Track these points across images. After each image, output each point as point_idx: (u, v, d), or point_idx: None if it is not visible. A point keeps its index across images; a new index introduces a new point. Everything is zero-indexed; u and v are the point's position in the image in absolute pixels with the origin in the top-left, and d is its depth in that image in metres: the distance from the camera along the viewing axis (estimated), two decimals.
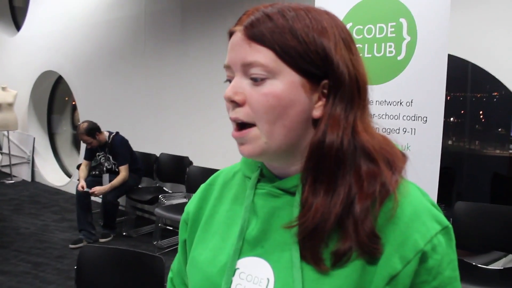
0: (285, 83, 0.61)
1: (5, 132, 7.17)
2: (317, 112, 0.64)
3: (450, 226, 0.65)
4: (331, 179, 0.63)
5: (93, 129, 4.36)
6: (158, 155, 4.91)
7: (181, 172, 4.49)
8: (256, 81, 0.62)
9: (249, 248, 0.69)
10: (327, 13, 0.66)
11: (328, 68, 0.62)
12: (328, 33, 0.63)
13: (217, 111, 4.21)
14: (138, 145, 4.83)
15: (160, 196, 4.40)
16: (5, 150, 7.50)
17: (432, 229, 0.62)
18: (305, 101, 0.63)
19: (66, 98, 7.41)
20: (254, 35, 0.62)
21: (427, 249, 0.61)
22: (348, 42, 0.65)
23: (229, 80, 0.67)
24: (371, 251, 0.60)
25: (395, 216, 0.62)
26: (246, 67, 0.63)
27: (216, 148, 4.26)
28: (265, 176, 0.72)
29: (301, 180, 0.66)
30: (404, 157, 0.68)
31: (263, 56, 0.61)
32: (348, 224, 0.61)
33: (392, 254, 0.61)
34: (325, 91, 0.63)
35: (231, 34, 0.66)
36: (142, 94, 5.21)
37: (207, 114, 4.42)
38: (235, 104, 0.64)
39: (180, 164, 4.59)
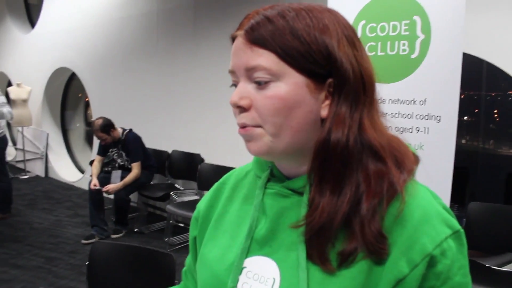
0: (289, 84, 0.61)
1: (20, 128, 7.26)
2: (324, 112, 0.63)
3: (462, 230, 0.63)
4: (338, 178, 0.62)
5: (108, 126, 4.38)
6: (170, 152, 4.92)
7: (193, 169, 4.49)
8: (260, 84, 0.62)
9: (257, 247, 0.69)
10: (329, 11, 0.65)
11: (332, 66, 0.61)
12: (330, 30, 0.62)
13: (229, 109, 4.17)
14: (150, 142, 4.85)
15: (171, 193, 4.41)
16: (19, 145, 7.59)
17: (442, 233, 0.60)
18: (311, 101, 0.62)
19: (79, 95, 7.47)
20: (255, 39, 0.62)
21: (436, 253, 0.59)
22: (351, 38, 0.64)
23: (235, 85, 0.67)
24: (377, 251, 0.59)
25: (403, 218, 0.60)
26: (249, 72, 0.63)
27: (228, 146, 4.27)
28: (275, 176, 0.72)
29: (308, 180, 0.65)
30: (415, 159, 0.67)
31: (265, 59, 0.61)
32: (355, 224, 0.60)
33: (399, 257, 0.59)
34: (331, 89, 0.63)
35: (233, 38, 0.66)
36: (155, 91, 5.23)
37: (219, 111, 4.42)
38: (241, 109, 0.64)
39: (192, 161, 4.60)
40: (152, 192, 4.58)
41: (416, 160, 0.67)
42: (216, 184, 0.86)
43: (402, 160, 0.63)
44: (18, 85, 6.93)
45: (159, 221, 5.02)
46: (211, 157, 4.49)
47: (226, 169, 0.87)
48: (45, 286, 3.41)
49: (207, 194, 0.86)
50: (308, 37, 0.61)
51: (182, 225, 4.61)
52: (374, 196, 0.60)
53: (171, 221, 4.28)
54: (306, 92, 0.61)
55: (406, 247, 0.59)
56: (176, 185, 4.89)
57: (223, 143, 4.40)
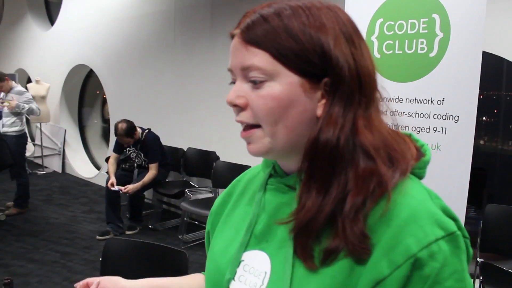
0: (284, 84, 0.61)
1: (38, 124, 7.36)
2: (319, 111, 0.63)
3: (458, 233, 0.59)
4: (325, 177, 0.62)
5: (131, 129, 4.34)
6: (185, 149, 4.94)
7: (208, 167, 4.51)
8: (256, 84, 0.63)
9: (255, 241, 0.71)
10: (328, 7, 0.64)
11: (327, 65, 0.61)
12: (326, 28, 0.61)
13: None
14: (166, 139, 4.87)
15: (186, 190, 4.43)
16: (37, 141, 7.70)
17: (431, 235, 0.57)
18: (306, 100, 0.62)
19: (97, 92, 7.54)
20: (250, 38, 0.62)
21: (422, 255, 0.56)
22: (350, 36, 0.63)
23: (234, 83, 0.67)
24: (359, 251, 0.58)
25: (389, 218, 0.59)
26: (245, 71, 0.63)
27: (243, 144, 4.25)
28: (276, 172, 0.74)
29: (298, 178, 0.66)
30: (417, 154, 0.66)
31: (259, 59, 0.61)
32: (339, 222, 0.60)
33: (380, 257, 0.58)
34: (327, 88, 0.62)
35: (232, 37, 0.66)
36: (171, 89, 5.25)
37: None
38: (238, 107, 0.65)
39: (207, 159, 4.61)
40: (167, 190, 4.60)
41: (417, 156, 0.65)
42: (233, 181, 0.88)
43: (397, 160, 0.62)
44: (37, 81, 7.03)
45: (174, 218, 5.05)
46: (226, 155, 4.49)
47: (241, 167, 0.89)
48: (60, 280, 3.46)
49: (224, 191, 0.89)
50: (303, 36, 0.60)
51: (196, 222, 4.62)
52: (358, 194, 0.59)
53: (185, 219, 4.30)
54: (301, 92, 0.61)
55: (389, 247, 0.57)
56: (191, 183, 4.91)
57: (238, 141, 4.35)
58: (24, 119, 5.13)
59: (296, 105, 0.62)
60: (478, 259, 2.70)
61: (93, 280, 0.88)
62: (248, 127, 0.66)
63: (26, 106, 4.98)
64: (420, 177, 0.67)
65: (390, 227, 0.58)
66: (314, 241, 0.62)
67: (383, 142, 0.63)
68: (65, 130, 7.22)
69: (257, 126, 0.64)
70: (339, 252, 0.60)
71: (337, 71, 0.61)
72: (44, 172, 7.29)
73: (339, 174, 0.61)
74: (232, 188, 0.87)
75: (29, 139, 6.62)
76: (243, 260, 0.71)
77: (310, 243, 0.62)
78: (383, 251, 0.58)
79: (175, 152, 5.00)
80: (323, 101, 0.63)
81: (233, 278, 0.71)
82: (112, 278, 0.90)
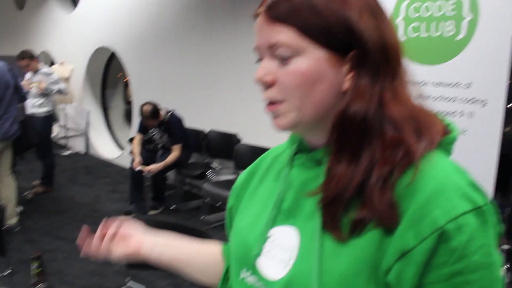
0: (310, 59, 0.62)
1: (62, 106, 7.47)
2: (346, 85, 0.63)
3: (487, 208, 0.58)
4: (355, 149, 0.63)
5: (156, 111, 4.40)
6: (207, 131, 4.97)
7: (230, 149, 4.52)
8: (283, 60, 0.63)
9: (283, 217, 0.72)
10: None
11: (353, 38, 0.61)
12: (350, 2, 0.62)
13: None
14: (188, 121, 4.89)
15: (208, 171, 4.46)
16: (61, 123, 7.83)
17: (458, 208, 0.56)
18: (333, 75, 0.63)
19: (119, 74, 7.60)
20: (275, 15, 0.63)
21: (449, 228, 0.55)
22: (374, 8, 0.64)
23: (261, 61, 0.68)
24: (387, 220, 0.58)
25: (416, 189, 0.58)
26: (271, 48, 0.64)
27: (266, 125, 4.24)
28: (303, 148, 0.74)
29: (327, 151, 0.67)
30: (444, 130, 0.66)
31: (285, 35, 0.62)
32: (367, 193, 0.60)
33: (407, 228, 0.57)
34: (354, 62, 0.63)
35: (256, 16, 0.67)
36: (193, 70, 5.26)
37: (258, 90, 4.40)
38: (266, 85, 0.66)
39: (229, 141, 4.63)
40: (190, 171, 4.65)
41: (443, 131, 0.65)
42: (257, 159, 0.89)
43: (424, 131, 0.63)
44: (61, 63, 7.12)
45: (196, 199, 5.11)
46: (248, 137, 4.50)
47: (263, 150, 0.90)
48: (86, 257, 3.55)
49: (246, 169, 0.90)
50: (327, 10, 0.61)
51: (218, 204, 4.67)
52: (385, 164, 0.60)
53: (207, 200, 4.34)
54: (328, 66, 0.62)
55: (416, 218, 0.57)
56: (213, 164, 4.94)
57: (260, 123, 4.39)
58: (52, 101, 5.21)
59: (323, 79, 0.62)
60: (504, 246, 2.66)
61: (115, 223, 0.92)
62: (274, 101, 0.66)
63: (55, 88, 5.06)
64: (448, 153, 0.66)
65: (416, 198, 0.58)
66: (343, 213, 0.62)
67: (410, 113, 0.64)
68: (89, 112, 7.32)
69: (283, 101, 0.65)
70: (368, 223, 0.60)
71: (362, 44, 0.61)
72: (68, 153, 7.43)
73: (367, 145, 0.62)
74: (257, 166, 0.87)
75: None
76: (270, 236, 0.72)
77: (339, 215, 0.62)
78: (409, 222, 0.57)
79: (198, 133, 5.03)
80: (350, 75, 0.63)
81: (261, 254, 0.72)
82: (134, 226, 0.94)
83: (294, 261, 0.67)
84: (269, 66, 0.65)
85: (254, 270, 0.73)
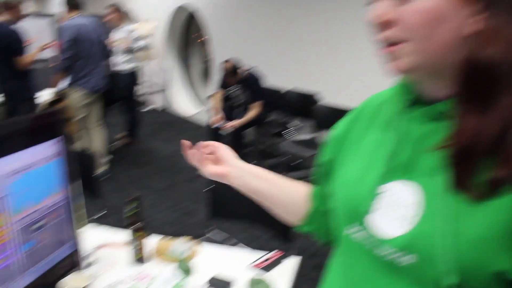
0: None
1: (144, 62, 7.71)
2: (473, 28, 0.56)
3: None
4: (486, 99, 0.56)
5: (236, 68, 4.41)
6: (287, 89, 4.92)
7: (308, 108, 4.46)
8: None
9: (399, 172, 0.66)
10: None
11: None
12: None
13: (350, 45, 4.06)
14: (268, 79, 4.87)
15: (286, 130, 4.44)
16: (143, 79, 8.09)
17: None
18: (458, 15, 0.56)
19: (195, 34, 7.67)
20: None
21: None
22: None
23: (372, 3, 0.63)
24: None
25: None
26: None
27: (347, 85, 4.15)
28: (418, 100, 0.67)
29: (454, 102, 0.60)
30: None
31: None
32: (504, 150, 0.54)
33: None
34: (483, 2, 0.56)
35: None
36: (273, 28, 5.19)
37: (340, 48, 4.27)
38: (383, 24, 0.61)
39: (308, 100, 4.55)
40: (268, 129, 4.65)
41: None
42: (354, 109, 0.84)
43: None
44: (144, 21, 7.29)
45: (273, 157, 5.14)
46: (329, 96, 4.41)
47: (341, 110, 0.84)
48: (170, 205, 3.72)
49: (345, 119, 0.84)
50: None
51: (295, 162, 4.65)
52: None
53: (285, 158, 4.35)
54: (454, 6, 0.56)
55: None
56: (291, 123, 4.90)
57: (342, 82, 4.29)
58: (136, 58, 5.39)
59: (448, 20, 0.56)
60: None
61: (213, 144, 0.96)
62: (392, 43, 0.61)
63: (138, 45, 5.22)
64: None
65: None
66: (474, 170, 0.56)
67: None
68: (169, 69, 7.49)
69: (407, 40, 0.60)
70: (503, 185, 0.54)
71: None
72: (148, 109, 7.70)
73: (502, 94, 0.55)
74: (355, 116, 0.81)
75: None
76: (384, 191, 0.67)
77: (470, 172, 0.56)
78: None
79: (277, 92, 5.00)
80: (479, 17, 0.56)
81: (373, 209, 0.67)
82: (228, 152, 0.95)
83: (419, 219, 0.61)
84: (386, 5, 0.60)
85: (363, 226, 0.68)
